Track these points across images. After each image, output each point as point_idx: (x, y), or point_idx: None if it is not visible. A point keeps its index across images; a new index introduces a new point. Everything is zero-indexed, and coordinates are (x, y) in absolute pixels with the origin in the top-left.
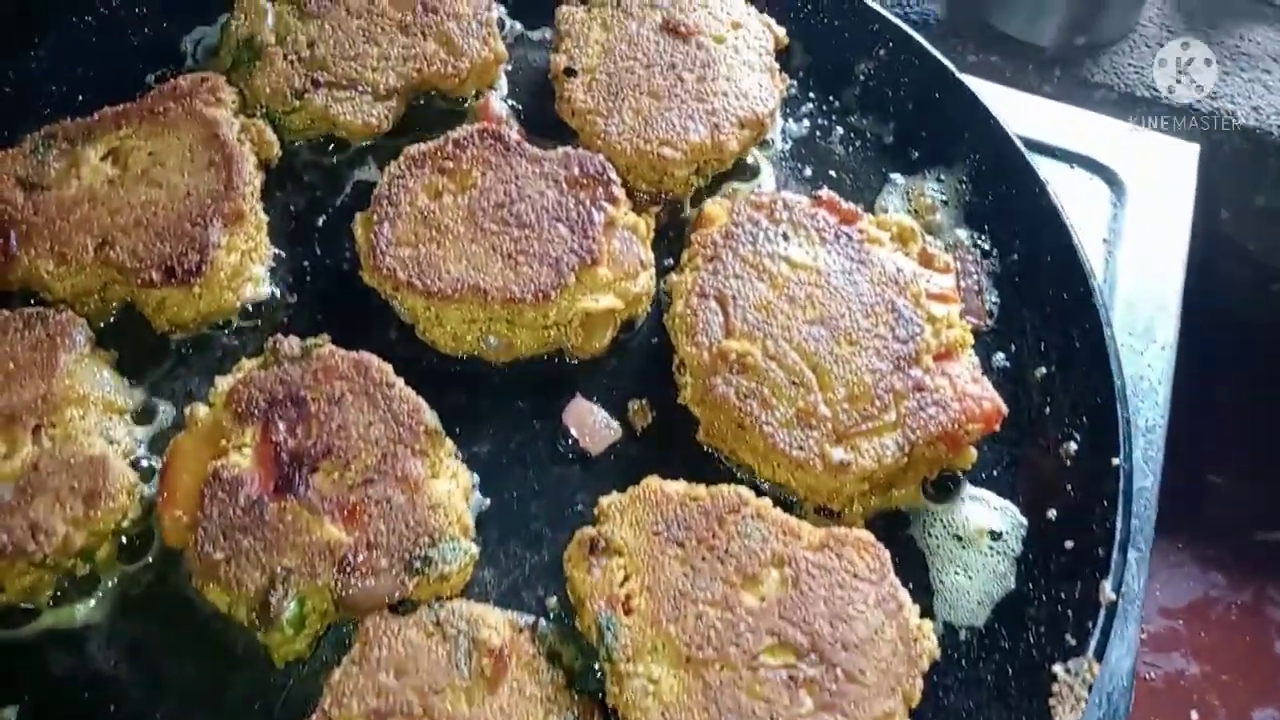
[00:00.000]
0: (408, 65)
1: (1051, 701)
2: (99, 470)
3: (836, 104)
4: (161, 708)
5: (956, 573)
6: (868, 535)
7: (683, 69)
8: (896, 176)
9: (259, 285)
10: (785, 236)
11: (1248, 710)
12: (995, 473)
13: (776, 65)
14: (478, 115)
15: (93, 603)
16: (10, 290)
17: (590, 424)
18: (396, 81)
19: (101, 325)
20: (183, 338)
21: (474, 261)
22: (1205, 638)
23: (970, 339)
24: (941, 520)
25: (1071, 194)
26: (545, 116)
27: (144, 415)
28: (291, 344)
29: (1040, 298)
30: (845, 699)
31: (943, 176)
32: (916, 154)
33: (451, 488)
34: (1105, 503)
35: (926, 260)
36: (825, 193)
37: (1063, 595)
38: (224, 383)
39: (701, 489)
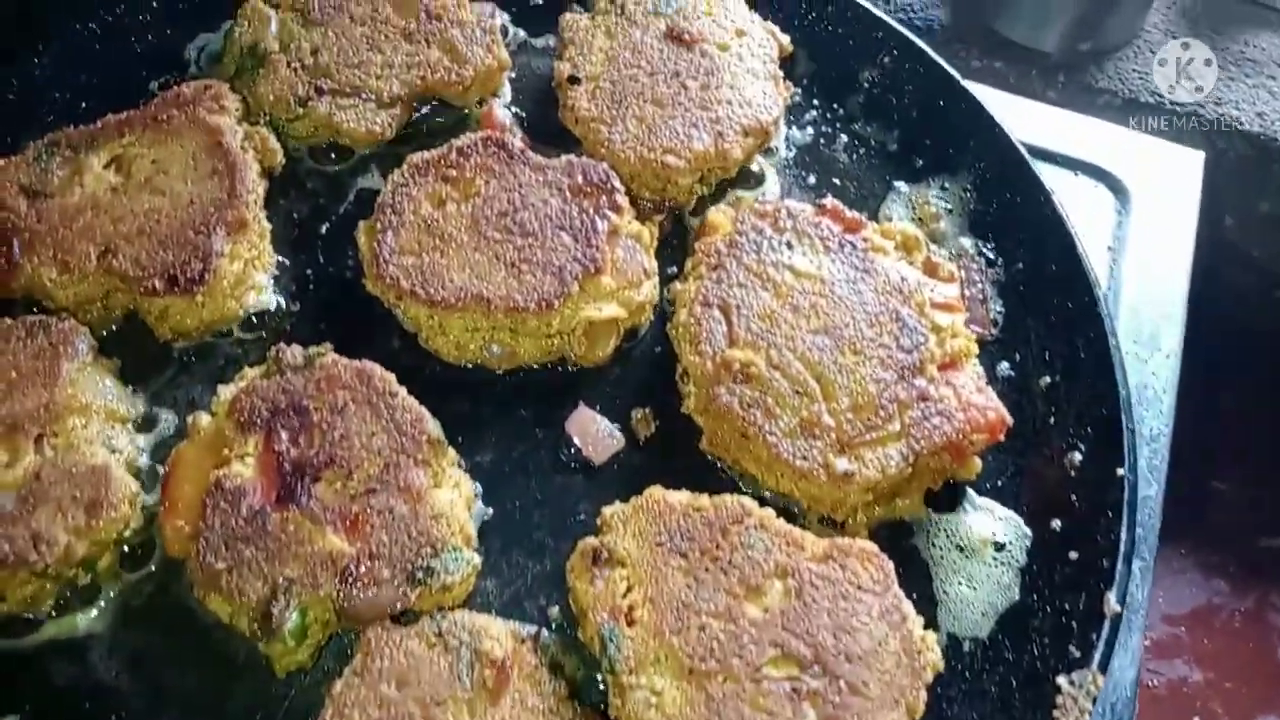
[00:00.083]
0: (411, 73)
1: (1055, 714)
2: (101, 480)
3: (841, 111)
4: (163, 718)
5: (960, 584)
6: (871, 546)
7: (687, 77)
8: (901, 184)
9: (262, 293)
10: (789, 245)
11: (1251, 717)
12: (999, 483)
13: (781, 73)
14: (481, 123)
15: (94, 612)
16: (12, 298)
17: (593, 433)
18: (400, 89)
19: (104, 333)
20: (185, 346)
21: (477, 270)
22: (1208, 644)
23: (975, 348)
24: (945, 530)
25: (1076, 201)
26: (549, 124)
27: (146, 423)
28: (294, 353)
29: (1045, 307)
30: (849, 711)
31: (947, 185)
32: (921, 162)
33: (454, 497)
34: (1110, 513)
35: (931, 269)
36: (829, 201)
37: (1067, 606)
38: (226, 391)
39: (705, 499)
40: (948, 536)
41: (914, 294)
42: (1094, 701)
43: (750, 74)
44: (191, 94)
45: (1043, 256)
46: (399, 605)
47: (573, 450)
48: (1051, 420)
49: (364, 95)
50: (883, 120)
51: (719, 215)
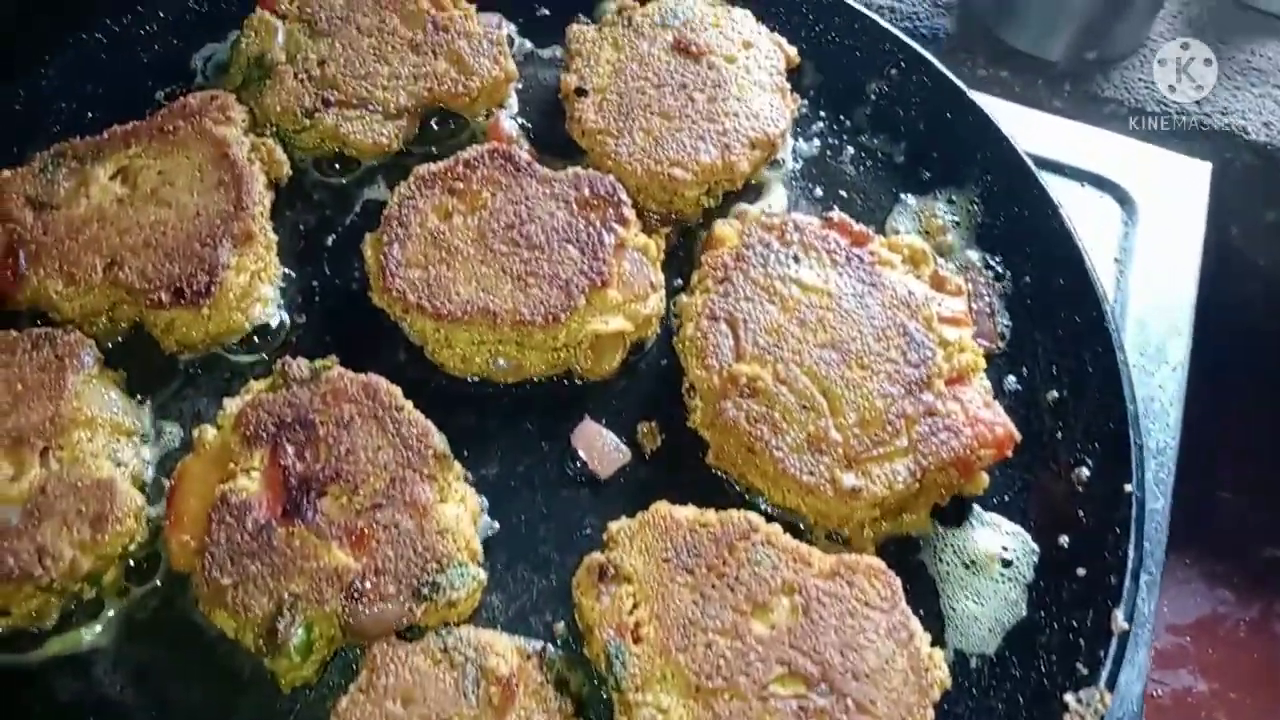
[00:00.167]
0: (418, 84)
1: None
2: (106, 494)
3: (847, 123)
4: None
5: (967, 600)
6: (879, 563)
7: (694, 89)
8: (907, 197)
9: (268, 306)
10: (796, 259)
11: None
12: (1006, 498)
13: (788, 85)
14: (487, 134)
15: (99, 627)
16: (18, 310)
17: (599, 447)
18: (407, 100)
19: (109, 345)
20: (190, 358)
21: (484, 283)
22: (1213, 654)
23: (982, 363)
24: (952, 546)
25: (1082, 212)
26: (555, 135)
27: (151, 436)
28: (300, 366)
29: (1052, 321)
30: None
31: (954, 197)
32: (928, 174)
33: (460, 512)
34: (1118, 530)
35: (938, 283)
36: (836, 214)
37: (1074, 623)
38: (232, 405)
39: (711, 514)
40: (955, 552)
41: (921, 308)
42: (1101, 719)
43: (757, 86)
44: (198, 105)
45: (1051, 270)
46: (404, 621)
47: (579, 464)
48: (1059, 435)
49: (371, 107)
50: (890, 132)
51: (726, 228)
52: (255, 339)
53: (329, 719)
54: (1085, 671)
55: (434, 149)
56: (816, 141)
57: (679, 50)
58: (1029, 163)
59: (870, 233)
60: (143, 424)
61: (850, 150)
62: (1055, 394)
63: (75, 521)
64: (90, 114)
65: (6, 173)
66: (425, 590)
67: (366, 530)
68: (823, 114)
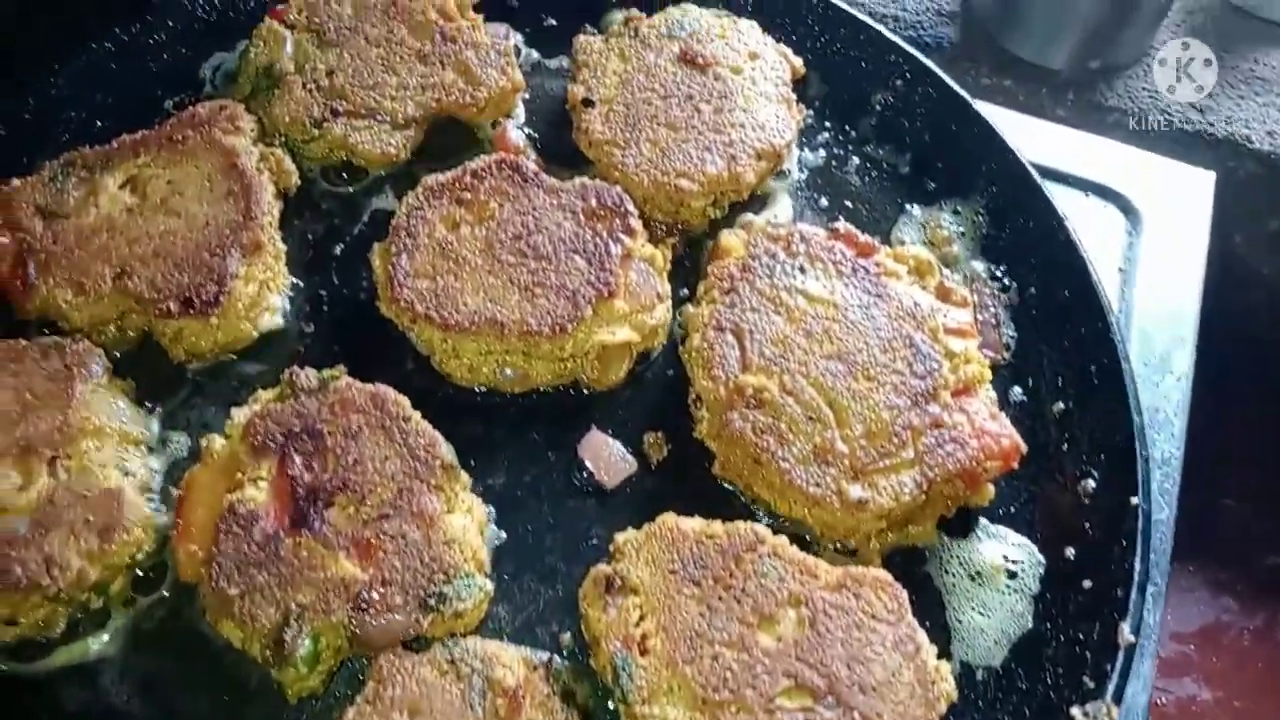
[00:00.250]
0: (426, 94)
1: None
2: (114, 503)
3: (853, 134)
4: None
5: (973, 611)
6: (885, 575)
7: (700, 100)
8: (913, 208)
9: (275, 315)
10: (802, 269)
11: None
12: (1012, 509)
13: (793, 96)
14: (495, 144)
15: (106, 636)
16: (27, 319)
17: (606, 457)
18: (415, 111)
19: (117, 354)
20: (198, 367)
21: (491, 294)
22: (1217, 663)
23: (988, 374)
24: (958, 557)
25: (1087, 222)
26: (562, 145)
27: (158, 445)
28: (308, 376)
29: (1058, 333)
30: None
31: (959, 208)
32: (933, 185)
33: (467, 523)
34: (1124, 542)
35: (944, 294)
36: (842, 225)
37: (1080, 636)
38: (240, 414)
39: (718, 526)
40: (960, 564)
41: (927, 319)
42: None
43: (763, 97)
44: (207, 114)
45: (1056, 282)
46: (411, 632)
47: (585, 474)
48: (1065, 447)
49: (379, 117)
50: (895, 143)
51: (732, 238)
52: (263, 348)
53: None
54: (1091, 684)
55: (441, 158)
56: (822, 152)
57: (685, 61)
58: (1034, 174)
59: (876, 244)
60: (151, 433)
61: (855, 161)
62: (1061, 405)
63: (83, 531)
64: (99, 123)
65: (16, 182)
66: (432, 601)
67: (373, 541)
68: (828, 124)
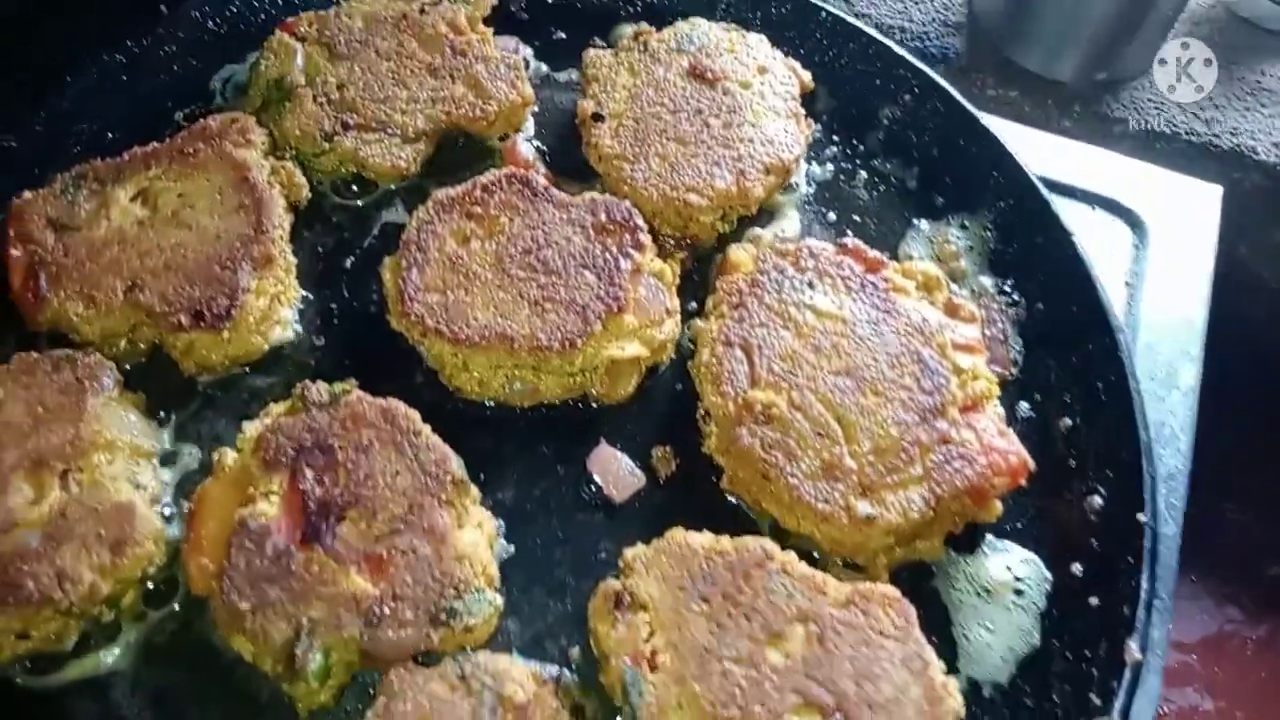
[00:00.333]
0: (436, 108)
1: None
2: (126, 518)
3: (861, 148)
4: None
5: (980, 627)
6: (893, 591)
7: (709, 114)
8: (920, 222)
9: (286, 328)
10: (810, 285)
11: None
12: (1019, 525)
13: (802, 110)
14: (504, 157)
15: (117, 650)
16: (39, 331)
17: (615, 471)
18: (425, 124)
19: (128, 367)
20: (209, 380)
21: (501, 308)
22: (1220, 673)
23: (996, 390)
24: (965, 573)
25: (1093, 236)
26: (571, 159)
27: (169, 458)
28: (319, 390)
29: (1065, 349)
30: None
31: (966, 223)
32: (941, 200)
33: (477, 537)
34: (1131, 559)
35: (952, 310)
36: (850, 240)
37: (1087, 653)
38: (251, 428)
39: (726, 541)
40: (968, 579)
41: (935, 335)
42: None
43: (772, 112)
44: (218, 127)
45: (1064, 298)
46: (422, 647)
47: (594, 488)
48: (1072, 463)
49: (389, 130)
50: (903, 157)
51: (740, 253)
52: (274, 361)
53: None
54: (1098, 702)
55: (451, 172)
56: (830, 166)
57: (694, 76)
58: (1042, 189)
59: (884, 259)
60: (161, 446)
61: (863, 175)
62: (1068, 421)
63: (95, 545)
64: (110, 135)
65: (28, 194)
66: (443, 616)
67: (385, 556)
68: (836, 138)
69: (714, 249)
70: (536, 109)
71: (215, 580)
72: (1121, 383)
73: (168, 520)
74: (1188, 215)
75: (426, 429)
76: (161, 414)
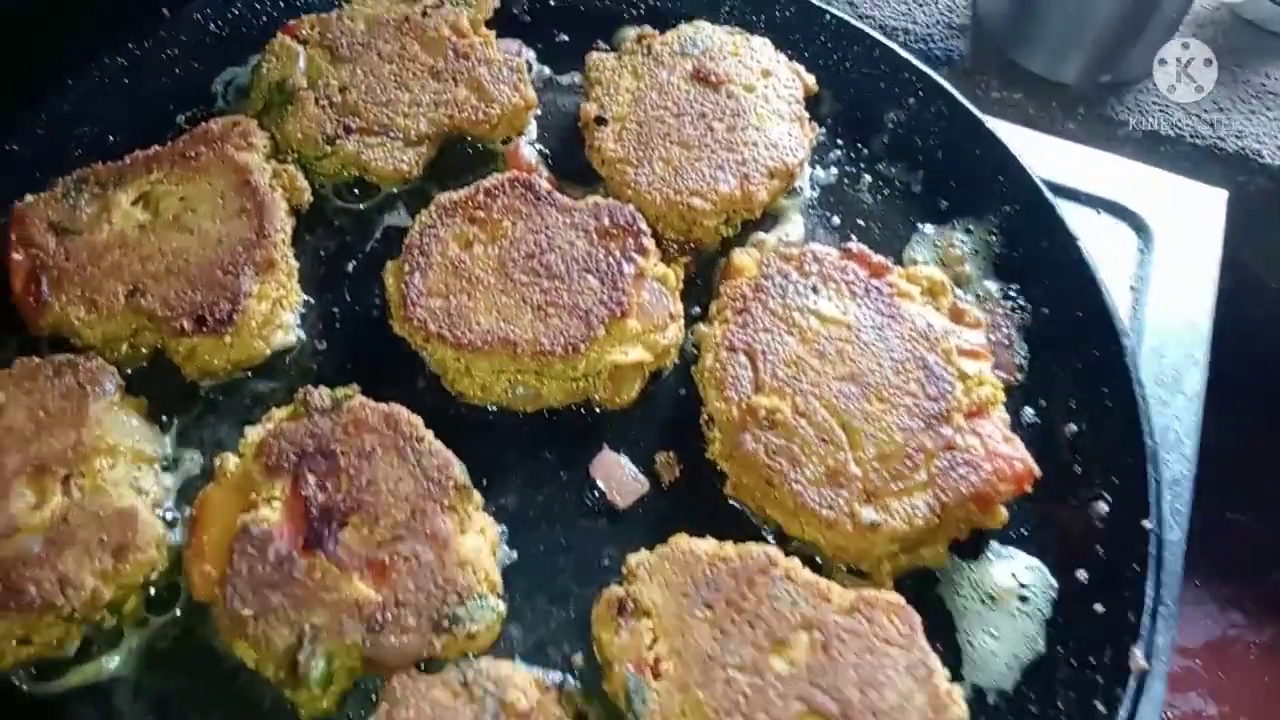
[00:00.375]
0: (439, 111)
1: None
2: (128, 523)
3: (865, 152)
4: None
5: (985, 634)
6: (898, 598)
7: (713, 118)
8: (925, 226)
9: (288, 332)
10: (815, 290)
11: None
12: (1024, 531)
13: (806, 114)
14: (507, 160)
15: (119, 656)
16: (40, 336)
17: (618, 477)
18: (428, 128)
19: (129, 371)
20: (211, 384)
21: (504, 313)
22: (1224, 678)
23: (1002, 396)
24: (970, 580)
25: (1098, 240)
26: (574, 162)
27: (171, 463)
28: (322, 395)
29: (1071, 354)
30: None
31: (971, 227)
32: (946, 204)
33: (480, 543)
34: (1136, 566)
35: (957, 315)
36: (855, 245)
37: (1092, 660)
38: (254, 433)
39: (730, 548)
40: (972, 586)
41: (940, 341)
42: None
43: (776, 115)
44: (219, 131)
45: (1069, 303)
46: (425, 653)
47: (597, 494)
48: (1077, 469)
49: (392, 133)
50: (907, 161)
51: (744, 257)
52: (276, 366)
53: None
54: (1103, 710)
55: (454, 175)
56: (834, 170)
57: (698, 79)
58: (1047, 193)
59: (889, 264)
60: (163, 451)
61: (868, 179)
62: (1073, 427)
63: (97, 551)
64: (112, 138)
65: (29, 198)
66: (445, 623)
67: (387, 562)
68: (840, 142)
69: (718, 253)
70: (539, 112)
71: (217, 586)
72: (1127, 388)
73: (170, 526)
74: (1193, 219)
75: (429, 434)
76: (163, 419)
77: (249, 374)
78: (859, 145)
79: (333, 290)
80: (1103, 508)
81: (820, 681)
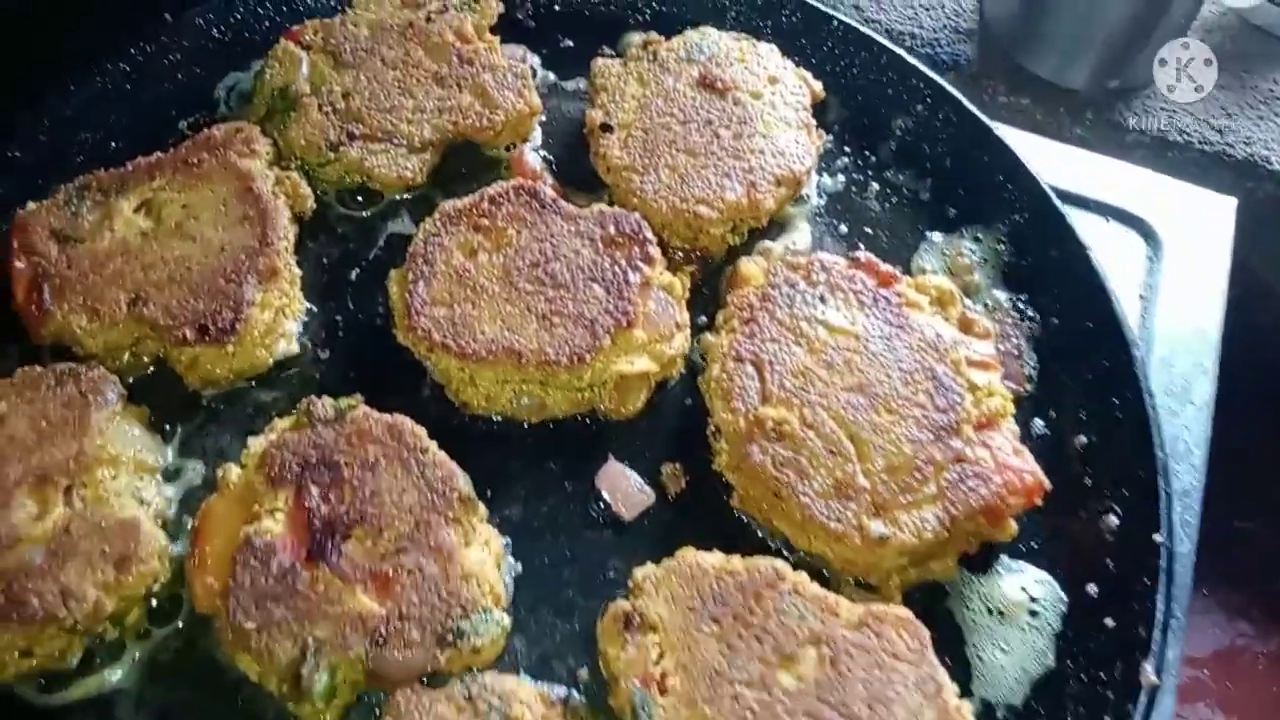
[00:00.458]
0: (443, 118)
1: None
2: (130, 534)
3: (873, 159)
4: None
5: (994, 648)
6: (907, 613)
7: (719, 125)
8: (933, 234)
9: (291, 341)
10: (822, 299)
11: None
12: (1034, 544)
13: (813, 121)
14: (511, 167)
15: (122, 668)
16: (42, 344)
17: (623, 488)
18: (431, 134)
19: (131, 380)
20: (214, 394)
21: (509, 323)
22: (1232, 688)
23: (1011, 408)
24: (979, 593)
25: (1107, 248)
26: (579, 169)
27: (173, 473)
28: (325, 406)
29: (1081, 365)
30: None
31: (980, 236)
32: (954, 212)
33: (484, 556)
34: (1146, 580)
35: (966, 325)
36: (863, 254)
37: (1102, 675)
38: (256, 444)
39: (738, 561)
40: (981, 600)
41: (949, 352)
42: None
43: (783, 122)
44: (222, 137)
45: (1079, 313)
46: (429, 668)
47: (602, 505)
48: (1087, 481)
49: (395, 140)
50: (915, 168)
51: (751, 266)
52: (278, 375)
53: None
54: None
55: (458, 182)
56: (841, 177)
57: (704, 85)
58: (1056, 202)
59: (897, 273)
60: (165, 461)
61: (875, 186)
62: (1083, 439)
63: (99, 562)
64: (114, 144)
65: (31, 205)
66: (449, 636)
67: (391, 574)
68: (847, 149)
69: (724, 262)
70: (544, 118)
71: (220, 598)
72: (1137, 399)
73: (172, 537)
74: (1202, 227)
75: (433, 446)
76: (165, 428)
77: (252, 383)
78: (866, 152)
79: (336, 299)
80: (1113, 521)
81: (828, 697)
